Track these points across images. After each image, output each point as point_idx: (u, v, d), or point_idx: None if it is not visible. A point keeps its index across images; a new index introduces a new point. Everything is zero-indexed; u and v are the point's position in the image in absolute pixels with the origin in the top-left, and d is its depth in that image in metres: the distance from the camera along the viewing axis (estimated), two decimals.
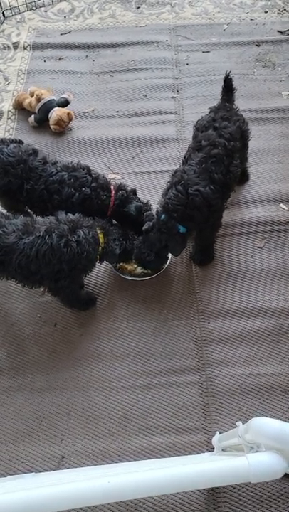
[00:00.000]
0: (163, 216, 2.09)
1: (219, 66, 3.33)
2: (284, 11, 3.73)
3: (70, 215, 2.04)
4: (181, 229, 2.10)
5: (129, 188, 2.32)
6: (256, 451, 1.05)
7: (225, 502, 1.80)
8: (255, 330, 2.22)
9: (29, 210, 2.31)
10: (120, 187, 2.30)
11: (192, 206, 2.04)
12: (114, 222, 2.33)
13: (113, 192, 2.25)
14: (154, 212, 2.23)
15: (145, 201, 2.36)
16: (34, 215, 2.21)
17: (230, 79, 2.27)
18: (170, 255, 2.36)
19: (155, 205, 2.21)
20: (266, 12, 3.74)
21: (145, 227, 2.17)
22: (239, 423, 1.18)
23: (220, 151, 2.08)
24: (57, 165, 2.20)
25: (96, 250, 2.05)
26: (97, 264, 2.17)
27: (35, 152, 2.21)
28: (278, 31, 3.58)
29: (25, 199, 2.19)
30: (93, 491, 0.88)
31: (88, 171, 2.23)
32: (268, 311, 2.27)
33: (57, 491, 0.89)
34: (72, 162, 2.24)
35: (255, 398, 2.03)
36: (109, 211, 2.25)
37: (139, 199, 2.35)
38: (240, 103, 2.80)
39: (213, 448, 1.83)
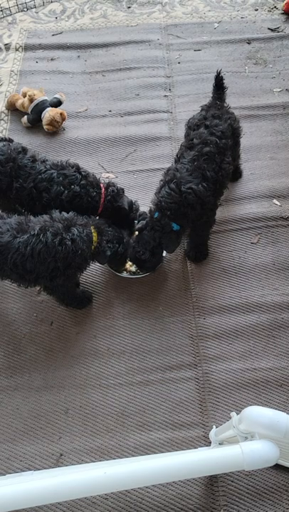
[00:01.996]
0: (156, 214, 2.11)
1: (211, 64, 3.35)
2: (274, 9, 3.75)
3: (65, 214, 2.04)
4: (175, 226, 2.12)
5: (118, 187, 2.34)
6: (250, 441, 1.07)
7: (223, 495, 1.81)
8: (250, 325, 2.24)
9: (21, 209, 2.31)
10: (110, 184, 2.31)
11: (185, 204, 2.05)
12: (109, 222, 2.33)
13: (103, 189, 2.26)
14: (146, 210, 2.25)
15: (133, 200, 2.38)
16: (28, 214, 2.22)
17: (221, 77, 2.29)
18: (165, 253, 2.37)
19: (148, 204, 2.22)
20: (256, 10, 3.76)
21: (139, 225, 2.19)
22: (233, 413, 1.20)
23: (212, 149, 2.10)
24: (46, 163, 2.20)
25: (90, 248, 2.06)
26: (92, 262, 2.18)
27: (24, 150, 2.22)
28: (269, 29, 3.60)
29: (14, 197, 2.19)
30: (90, 482, 0.89)
31: (77, 168, 2.23)
32: (262, 306, 2.29)
33: (54, 482, 0.90)
34: (61, 160, 2.25)
35: (252, 392, 2.05)
36: (100, 207, 2.26)
37: (127, 197, 2.37)
38: (232, 100, 2.84)
39: (211, 442, 1.85)
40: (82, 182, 2.20)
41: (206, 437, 1.94)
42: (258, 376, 2.09)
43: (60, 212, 2.05)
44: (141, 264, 2.26)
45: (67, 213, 2.05)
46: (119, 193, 2.31)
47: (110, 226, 2.20)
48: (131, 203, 2.33)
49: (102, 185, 2.28)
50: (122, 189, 2.36)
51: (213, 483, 1.84)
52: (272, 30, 3.59)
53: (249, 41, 3.52)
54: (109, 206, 2.28)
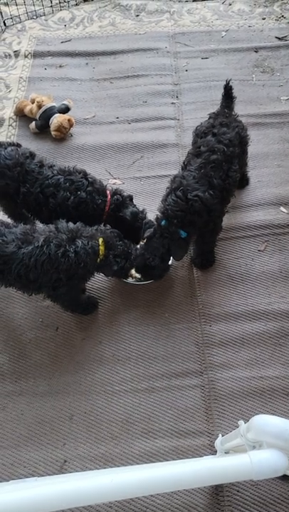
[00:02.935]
0: (163, 222, 2.10)
1: (218, 72, 3.37)
2: (282, 18, 3.77)
3: (71, 224, 2.02)
4: (183, 234, 2.11)
5: (125, 194, 2.33)
6: (259, 450, 1.05)
7: (228, 506, 1.79)
8: (256, 333, 2.22)
9: (28, 215, 2.31)
10: (116, 192, 2.30)
11: (192, 211, 2.05)
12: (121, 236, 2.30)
13: (109, 196, 2.26)
14: (152, 218, 2.24)
15: (141, 209, 2.36)
16: (35, 223, 2.22)
17: (230, 87, 2.30)
18: (171, 261, 2.36)
19: (155, 210, 2.22)
20: (264, 19, 3.78)
21: (147, 234, 2.18)
22: (241, 422, 1.18)
23: (219, 157, 2.10)
24: (53, 168, 2.20)
25: (94, 261, 2.04)
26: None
27: (32, 155, 2.23)
28: (276, 37, 3.62)
29: (21, 202, 2.19)
30: (97, 489, 0.88)
31: (84, 175, 2.24)
32: (269, 314, 2.27)
33: (60, 489, 0.89)
34: (68, 166, 2.25)
35: (258, 401, 2.03)
36: (104, 215, 2.25)
37: (135, 205, 2.36)
38: (240, 108, 2.84)
39: (216, 451, 1.83)
40: (89, 188, 2.20)
41: (211, 446, 1.92)
42: (265, 384, 2.07)
43: (67, 222, 2.04)
44: (147, 272, 2.25)
45: (74, 222, 2.04)
46: (125, 201, 2.30)
47: (121, 240, 2.16)
48: (135, 214, 2.30)
49: (108, 192, 2.28)
50: (131, 196, 2.35)
51: (218, 492, 1.81)
52: (279, 38, 3.61)
53: (256, 50, 3.53)
54: (112, 215, 2.27)
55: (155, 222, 2.17)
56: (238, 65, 3.43)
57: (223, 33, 3.67)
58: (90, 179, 2.23)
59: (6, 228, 1.95)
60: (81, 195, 2.17)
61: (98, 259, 2.04)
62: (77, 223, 2.05)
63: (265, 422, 1.05)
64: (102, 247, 2.04)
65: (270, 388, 2.06)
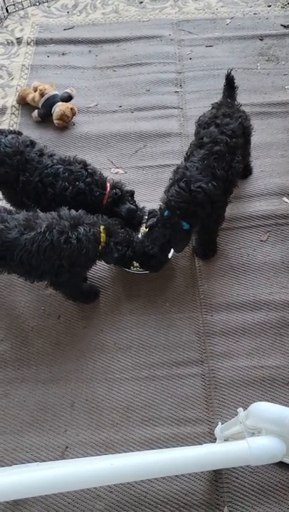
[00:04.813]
0: (166, 212, 2.10)
1: (222, 60, 3.33)
2: (287, 5, 3.71)
3: (73, 212, 2.03)
4: (185, 225, 2.11)
5: (126, 189, 2.30)
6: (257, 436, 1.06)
7: (227, 492, 1.81)
8: (258, 323, 2.23)
9: (28, 203, 2.30)
10: (116, 185, 2.27)
11: (195, 203, 2.04)
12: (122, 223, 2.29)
13: (108, 189, 2.24)
14: (156, 207, 2.23)
15: (140, 206, 2.35)
16: (37, 211, 2.22)
17: (232, 76, 2.28)
18: (171, 253, 2.36)
19: (157, 200, 2.21)
20: (269, 6, 3.73)
21: (149, 223, 2.17)
22: (240, 409, 1.20)
23: (222, 148, 2.09)
24: (53, 157, 2.19)
25: (96, 248, 2.05)
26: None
27: (32, 144, 2.21)
28: (282, 25, 3.57)
29: (21, 190, 2.18)
30: (97, 473, 0.90)
31: (84, 165, 2.22)
32: (270, 304, 2.28)
33: (62, 472, 0.90)
34: (69, 156, 2.24)
35: (258, 390, 2.05)
36: (102, 208, 2.23)
37: (135, 202, 2.33)
38: (244, 97, 2.82)
39: (216, 439, 1.85)
40: (88, 180, 2.18)
41: (211, 434, 1.95)
42: (265, 374, 2.08)
43: (69, 210, 2.04)
44: (147, 261, 2.25)
45: (76, 211, 2.05)
46: (124, 196, 2.26)
47: (123, 227, 2.17)
48: (131, 211, 2.26)
49: (108, 185, 2.25)
50: (132, 192, 2.32)
51: (217, 479, 1.84)
52: (285, 26, 3.56)
53: (261, 38, 3.49)
54: (110, 208, 2.25)
55: (157, 212, 2.17)
56: (242, 54, 3.40)
57: (228, 21, 3.62)
58: (89, 170, 2.21)
59: (8, 214, 1.96)
60: (80, 186, 2.16)
61: (100, 247, 2.05)
62: (80, 211, 2.05)
63: (264, 408, 1.06)
64: (103, 234, 2.05)
65: (270, 377, 2.07)
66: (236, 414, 1.32)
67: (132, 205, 2.29)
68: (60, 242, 1.92)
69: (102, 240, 2.05)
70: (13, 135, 2.21)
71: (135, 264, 2.36)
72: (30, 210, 2.26)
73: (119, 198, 2.25)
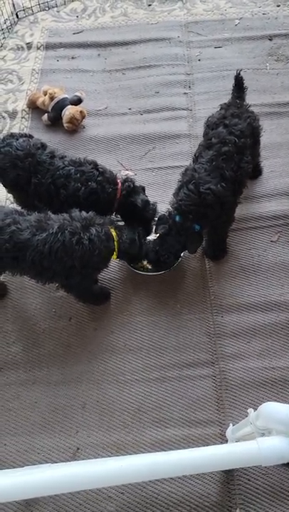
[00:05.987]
0: (178, 218, 2.10)
1: (231, 61, 3.33)
2: None
3: (84, 213, 2.05)
4: (196, 227, 2.11)
5: (138, 184, 2.33)
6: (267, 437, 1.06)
7: (239, 494, 1.80)
8: (268, 324, 2.22)
9: (40, 205, 2.32)
10: (127, 180, 2.30)
11: (205, 205, 2.04)
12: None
13: (119, 185, 2.26)
14: (164, 211, 2.23)
15: (152, 201, 2.36)
16: (48, 212, 2.24)
17: (241, 77, 2.27)
18: (183, 252, 2.36)
19: (167, 201, 2.22)
20: (278, 6, 3.71)
21: (162, 230, 2.16)
22: (250, 410, 1.19)
23: (230, 149, 2.08)
24: (64, 159, 2.21)
25: (109, 247, 2.07)
26: (112, 260, 2.18)
27: (43, 146, 2.23)
28: None
29: (33, 193, 2.21)
30: (108, 473, 0.90)
31: (95, 165, 2.24)
32: (281, 305, 2.26)
33: (73, 471, 0.91)
34: (79, 157, 2.26)
35: (269, 391, 2.03)
36: (116, 203, 2.26)
37: (146, 196, 2.35)
38: (253, 98, 2.81)
39: (227, 440, 1.84)
40: (99, 178, 2.20)
41: (222, 435, 1.94)
42: (276, 375, 2.07)
43: (80, 212, 2.06)
44: (158, 264, 2.26)
45: (86, 212, 2.07)
46: (136, 189, 2.30)
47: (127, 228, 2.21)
48: (146, 202, 2.30)
49: (118, 181, 2.28)
50: (142, 187, 2.36)
51: (229, 481, 1.83)
52: None
53: (271, 38, 3.48)
54: (124, 202, 2.27)
55: (168, 217, 2.16)
56: (251, 54, 3.39)
57: (237, 21, 3.62)
58: (100, 169, 2.23)
59: (20, 216, 1.98)
60: (92, 186, 2.18)
61: (115, 242, 2.08)
62: (90, 212, 2.07)
63: (274, 409, 1.05)
64: (114, 233, 2.09)
65: (281, 379, 2.06)
66: (247, 416, 1.31)
67: (146, 197, 2.31)
68: (72, 243, 1.93)
69: (114, 237, 2.07)
70: (24, 138, 2.23)
71: (145, 265, 2.36)
72: (42, 212, 2.29)
73: (132, 190, 2.28)
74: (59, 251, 1.92)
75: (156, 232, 2.23)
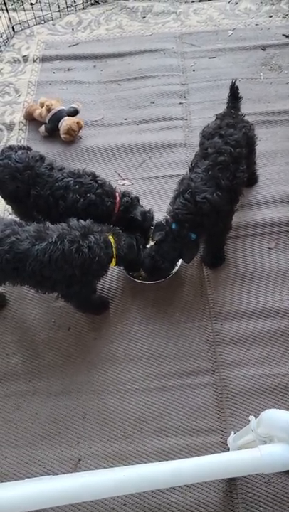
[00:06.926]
0: (174, 225, 2.11)
1: (225, 71, 3.37)
2: None
3: (82, 221, 2.07)
4: (192, 236, 2.12)
5: (133, 195, 2.35)
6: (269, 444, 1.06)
7: (242, 503, 1.79)
8: (268, 331, 2.22)
9: (39, 216, 2.34)
10: (125, 194, 2.32)
11: (201, 213, 2.05)
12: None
13: (118, 198, 2.28)
14: (161, 219, 2.24)
15: (147, 209, 2.38)
16: (47, 222, 2.25)
17: (237, 87, 2.30)
18: (180, 262, 2.37)
19: (163, 210, 2.23)
20: (271, 17, 3.77)
21: (159, 237, 2.18)
22: (252, 417, 1.19)
23: (226, 158, 2.10)
24: (63, 171, 2.22)
25: (109, 254, 2.08)
26: (110, 268, 2.19)
27: (42, 158, 2.25)
28: (283, 35, 3.60)
29: (32, 204, 2.22)
30: (109, 482, 0.90)
31: (94, 177, 2.25)
32: (280, 312, 2.27)
33: (74, 483, 0.90)
34: (78, 169, 2.27)
35: (270, 398, 2.03)
36: (114, 217, 2.27)
37: (142, 206, 2.38)
38: (248, 107, 2.84)
39: (229, 449, 1.84)
40: (98, 191, 2.21)
41: (224, 443, 1.93)
42: (277, 382, 2.07)
43: (78, 220, 2.07)
44: (153, 272, 2.27)
45: (85, 221, 2.08)
46: (133, 202, 2.32)
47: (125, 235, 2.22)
48: (144, 214, 2.32)
49: (117, 194, 2.30)
50: (137, 198, 2.38)
51: (232, 490, 1.82)
52: (287, 36, 3.59)
53: (264, 48, 3.53)
54: (122, 216, 2.29)
55: (165, 224, 2.18)
56: (245, 64, 3.43)
57: (230, 32, 3.67)
58: (99, 181, 2.25)
59: (19, 227, 1.99)
60: (90, 198, 2.19)
61: (113, 249, 2.09)
62: (88, 220, 2.08)
63: (275, 416, 1.05)
64: (112, 239, 2.10)
65: (282, 386, 2.06)
66: (249, 424, 1.31)
67: (143, 208, 2.34)
68: (71, 252, 1.94)
69: (113, 244, 2.08)
70: (23, 150, 2.25)
71: (143, 274, 2.37)
72: (41, 222, 2.30)
73: (130, 205, 2.30)
74: (59, 260, 1.93)
75: (153, 239, 2.24)
